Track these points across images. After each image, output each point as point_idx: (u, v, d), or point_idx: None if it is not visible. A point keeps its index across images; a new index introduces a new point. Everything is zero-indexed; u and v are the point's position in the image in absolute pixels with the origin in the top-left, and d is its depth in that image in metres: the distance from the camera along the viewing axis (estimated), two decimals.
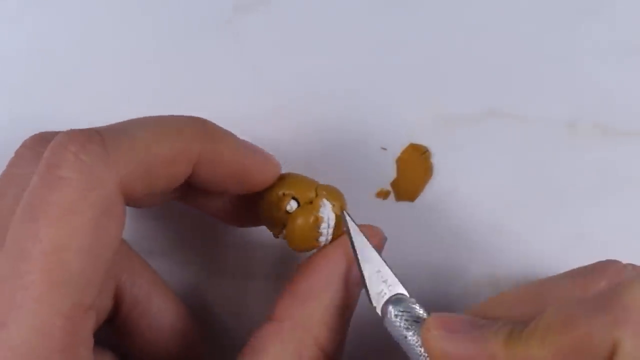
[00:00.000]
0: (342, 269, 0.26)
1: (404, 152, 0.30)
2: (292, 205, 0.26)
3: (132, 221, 0.31)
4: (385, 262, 0.25)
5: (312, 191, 0.26)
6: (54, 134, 0.22)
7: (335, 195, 0.26)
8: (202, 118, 0.25)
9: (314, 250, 0.26)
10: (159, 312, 0.27)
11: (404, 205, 0.30)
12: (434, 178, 0.30)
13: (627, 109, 0.29)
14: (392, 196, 0.30)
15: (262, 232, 0.27)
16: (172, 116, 0.24)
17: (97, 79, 0.31)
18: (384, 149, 0.30)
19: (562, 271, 0.25)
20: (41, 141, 0.24)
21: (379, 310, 0.24)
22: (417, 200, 0.30)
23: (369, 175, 0.30)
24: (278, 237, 0.27)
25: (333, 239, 0.26)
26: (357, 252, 0.25)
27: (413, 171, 0.30)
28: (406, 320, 0.23)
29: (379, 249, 0.26)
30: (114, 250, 0.22)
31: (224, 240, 0.31)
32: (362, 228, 0.26)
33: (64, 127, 0.26)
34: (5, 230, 0.21)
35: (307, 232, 0.26)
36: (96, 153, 0.21)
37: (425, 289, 0.30)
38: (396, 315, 0.23)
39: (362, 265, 0.25)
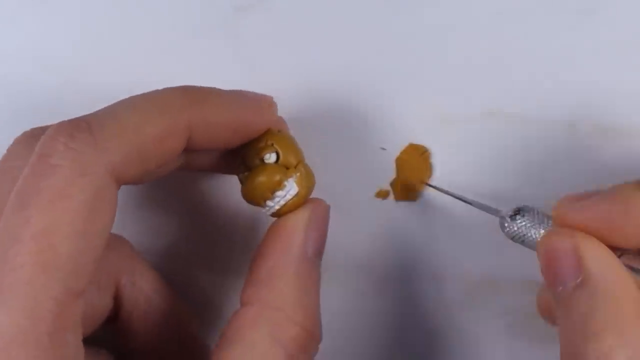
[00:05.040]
0: (300, 242, 0.25)
1: (404, 152, 0.30)
2: (270, 157, 0.26)
3: (136, 221, 0.31)
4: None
5: (295, 161, 0.26)
6: (44, 129, 0.22)
7: (308, 178, 0.26)
8: (185, 85, 0.25)
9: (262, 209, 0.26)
10: (160, 314, 0.27)
11: (404, 205, 0.30)
12: (434, 178, 0.30)
13: (627, 109, 0.29)
14: (391, 196, 0.30)
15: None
16: (157, 91, 0.24)
17: (97, 78, 0.31)
18: (384, 149, 0.30)
19: None
20: (32, 137, 0.24)
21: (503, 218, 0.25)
22: (416, 200, 0.30)
23: (368, 175, 0.30)
24: (238, 176, 0.26)
25: (283, 213, 0.26)
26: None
27: (413, 171, 0.30)
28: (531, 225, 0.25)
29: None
30: (105, 236, 0.22)
31: (230, 239, 0.31)
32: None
33: None
34: None
35: (263, 188, 0.25)
36: (85, 141, 0.22)
37: (425, 288, 0.30)
38: (525, 224, 0.25)
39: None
